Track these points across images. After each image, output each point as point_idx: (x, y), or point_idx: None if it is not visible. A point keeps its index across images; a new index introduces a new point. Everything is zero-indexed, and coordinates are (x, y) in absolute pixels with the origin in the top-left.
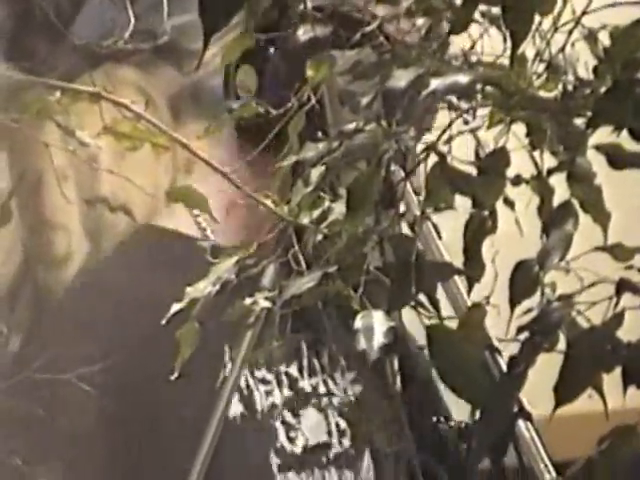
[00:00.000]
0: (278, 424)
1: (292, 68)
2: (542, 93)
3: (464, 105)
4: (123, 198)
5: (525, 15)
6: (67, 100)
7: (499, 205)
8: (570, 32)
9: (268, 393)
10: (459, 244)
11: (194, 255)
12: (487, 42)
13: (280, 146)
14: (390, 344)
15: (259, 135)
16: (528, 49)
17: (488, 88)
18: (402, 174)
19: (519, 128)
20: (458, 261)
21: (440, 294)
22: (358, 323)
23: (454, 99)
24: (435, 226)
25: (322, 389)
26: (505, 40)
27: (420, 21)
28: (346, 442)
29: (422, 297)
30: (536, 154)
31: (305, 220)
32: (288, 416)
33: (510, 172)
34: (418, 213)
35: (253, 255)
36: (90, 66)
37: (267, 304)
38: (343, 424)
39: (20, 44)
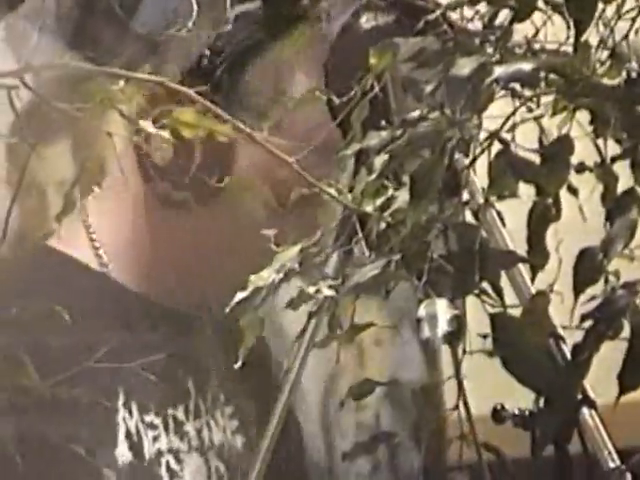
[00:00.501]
0: (163, 471)
1: (355, 56)
2: (606, 80)
3: (527, 93)
4: None
5: (589, 2)
6: (131, 89)
7: (563, 193)
8: (634, 19)
9: (155, 438)
10: (523, 232)
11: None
12: (550, 29)
13: (344, 135)
14: (454, 332)
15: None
16: (591, 36)
17: (551, 76)
18: (466, 162)
19: (583, 115)
20: (522, 249)
21: (504, 282)
22: (422, 311)
23: (517, 87)
24: (499, 214)
25: (205, 431)
26: (569, 27)
27: (483, 8)
28: None
29: (486, 285)
30: (600, 141)
31: (369, 208)
32: (172, 462)
33: (574, 160)
34: (482, 201)
35: (317, 243)
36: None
37: (331, 292)
38: (222, 467)
39: (84, 33)
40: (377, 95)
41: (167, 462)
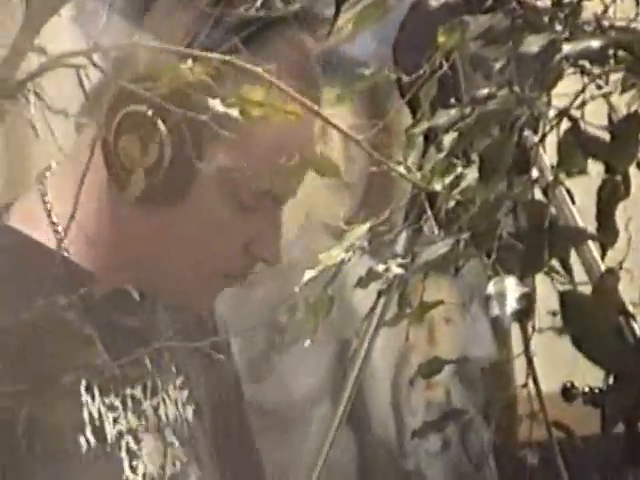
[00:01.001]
0: (123, 453)
1: (424, 34)
2: None
3: (596, 70)
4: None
5: None
6: (199, 68)
7: (632, 170)
8: None
9: (115, 420)
10: (592, 210)
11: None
12: (620, 6)
13: (413, 112)
14: (523, 310)
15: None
16: None
17: (620, 53)
18: (535, 139)
19: None
20: (591, 226)
21: (573, 260)
22: (491, 289)
23: (586, 64)
24: (568, 191)
25: (161, 408)
26: (638, 4)
27: None
28: (178, 464)
29: (555, 263)
30: None
31: (438, 186)
32: (131, 443)
33: None
34: (551, 178)
35: (385, 221)
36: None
37: (400, 270)
38: (177, 443)
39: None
40: (446, 73)
41: (127, 443)
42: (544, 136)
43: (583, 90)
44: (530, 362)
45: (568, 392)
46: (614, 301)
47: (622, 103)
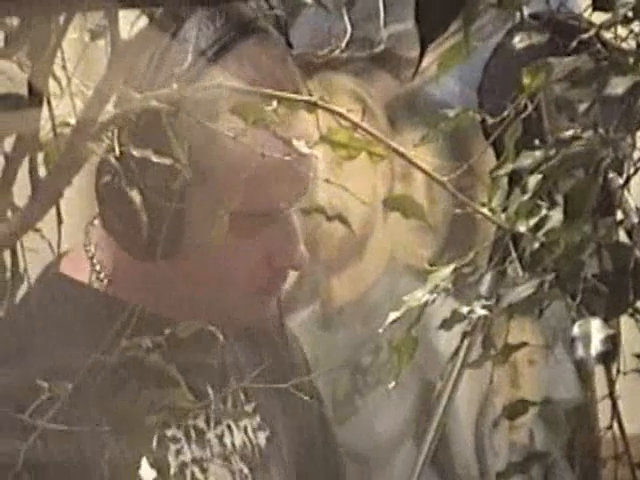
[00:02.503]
0: None
1: (509, 75)
2: None
3: None
4: (340, 207)
5: None
6: (284, 109)
7: None
8: None
9: (178, 452)
10: None
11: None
12: None
13: (498, 154)
14: (608, 352)
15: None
16: None
17: None
18: (620, 181)
19: None
20: None
21: None
22: (576, 331)
23: None
24: None
25: (227, 436)
26: None
27: (637, 27)
28: None
29: None
30: None
31: (522, 228)
32: (197, 472)
33: None
34: (636, 220)
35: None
36: (306, 75)
37: (484, 312)
38: (246, 469)
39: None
40: (530, 115)
41: (192, 472)
42: (629, 178)
43: None
44: (615, 404)
45: None
46: None
47: None
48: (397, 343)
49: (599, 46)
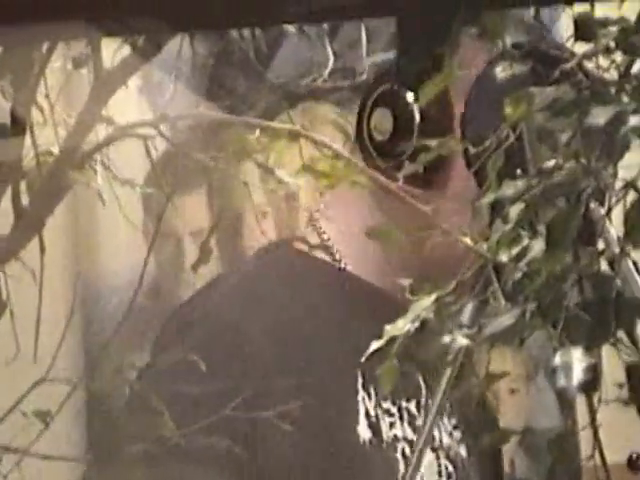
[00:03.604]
0: (399, 456)
1: (491, 105)
2: None
3: None
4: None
5: None
6: (266, 138)
7: None
8: None
9: (392, 425)
10: None
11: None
12: None
13: (480, 183)
14: (589, 381)
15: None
16: None
17: None
18: (602, 211)
19: None
20: None
21: None
22: (557, 360)
23: None
24: (635, 263)
25: (434, 430)
26: None
27: (619, 58)
28: None
29: (621, 334)
30: None
31: (504, 257)
32: (408, 451)
33: None
34: (617, 250)
35: (451, 293)
36: (288, 104)
37: (466, 342)
38: (451, 467)
39: (220, 83)
40: (512, 144)
41: (403, 449)
42: (610, 208)
43: None
44: (596, 433)
45: (634, 463)
46: None
47: None
48: (379, 372)
49: (581, 76)
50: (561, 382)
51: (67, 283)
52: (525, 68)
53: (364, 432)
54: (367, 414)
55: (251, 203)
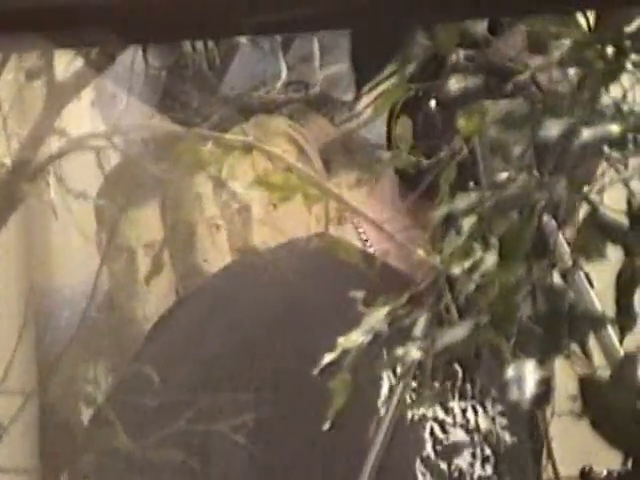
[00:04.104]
0: (427, 435)
1: (446, 118)
2: None
3: (616, 155)
4: None
5: None
6: (219, 151)
7: None
8: None
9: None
10: (611, 293)
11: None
12: (639, 91)
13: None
14: (542, 394)
15: (420, 184)
16: None
17: None
18: (554, 224)
19: None
20: (610, 311)
21: (592, 344)
22: (510, 373)
23: (606, 149)
24: (587, 276)
25: (470, 413)
26: None
27: (572, 71)
28: (489, 469)
29: (574, 347)
30: None
31: (457, 270)
32: (437, 430)
33: None
34: (570, 263)
35: (405, 305)
36: (242, 117)
37: (419, 354)
38: (488, 451)
39: (173, 95)
40: (465, 157)
41: (431, 427)
42: (564, 221)
43: (602, 175)
44: (549, 446)
45: (587, 476)
46: (633, 386)
47: None
48: (333, 385)
49: (534, 89)
50: (513, 395)
51: (19, 296)
52: (478, 81)
53: (388, 408)
54: (390, 389)
55: (204, 216)
